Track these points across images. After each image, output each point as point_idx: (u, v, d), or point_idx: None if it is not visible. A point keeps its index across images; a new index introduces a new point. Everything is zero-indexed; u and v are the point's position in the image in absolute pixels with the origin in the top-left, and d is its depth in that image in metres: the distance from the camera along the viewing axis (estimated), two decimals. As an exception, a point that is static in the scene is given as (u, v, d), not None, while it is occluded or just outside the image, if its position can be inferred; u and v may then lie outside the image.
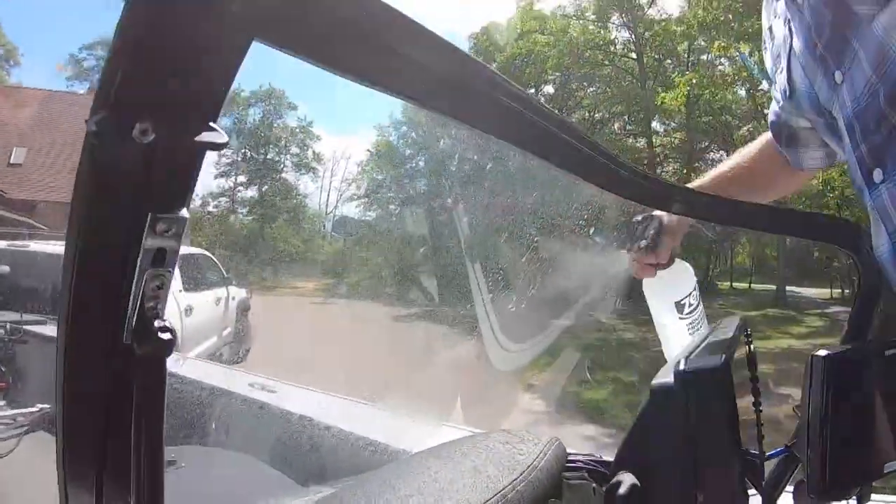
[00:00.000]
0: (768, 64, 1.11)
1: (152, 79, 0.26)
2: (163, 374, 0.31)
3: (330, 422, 1.29)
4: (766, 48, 1.11)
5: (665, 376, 0.62)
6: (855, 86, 0.81)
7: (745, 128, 16.11)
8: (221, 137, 0.28)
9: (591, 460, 0.93)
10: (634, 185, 0.78)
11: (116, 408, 0.30)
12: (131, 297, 0.29)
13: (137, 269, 0.28)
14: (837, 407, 0.72)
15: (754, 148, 1.22)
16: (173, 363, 1.74)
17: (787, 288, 18.11)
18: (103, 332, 0.29)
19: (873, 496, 1.00)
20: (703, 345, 0.70)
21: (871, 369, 0.79)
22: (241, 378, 1.68)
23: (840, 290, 19.76)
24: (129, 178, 0.27)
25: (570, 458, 0.78)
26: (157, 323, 0.29)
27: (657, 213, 1.05)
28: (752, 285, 20.80)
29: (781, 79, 1.01)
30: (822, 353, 0.75)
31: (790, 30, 0.94)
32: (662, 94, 15.59)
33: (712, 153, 18.33)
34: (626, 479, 0.62)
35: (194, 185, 0.28)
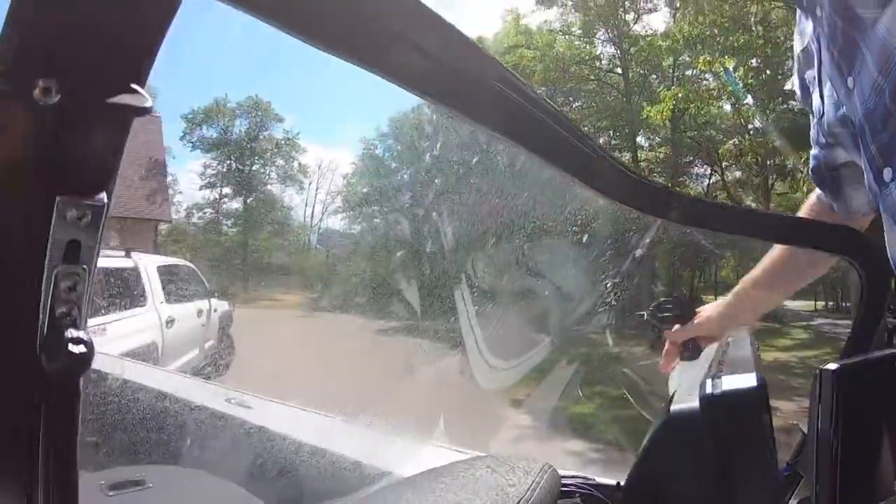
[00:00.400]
0: (798, 91, 1.11)
1: (60, 28, 0.21)
2: (75, 396, 0.25)
3: (308, 440, 1.22)
4: (796, 74, 1.10)
5: (685, 401, 0.55)
6: (863, 88, 0.80)
7: (730, 142, 16.27)
8: (143, 101, 0.23)
9: (585, 484, 0.87)
10: (634, 191, 0.74)
11: (21, 437, 0.25)
12: (40, 303, 0.23)
13: (46, 266, 0.23)
14: (847, 423, 0.67)
15: (803, 214, 1.20)
16: (148, 376, 1.67)
17: (772, 301, 18.20)
18: (5, 343, 0.23)
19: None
20: (722, 363, 0.63)
21: (882, 383, 0.75)
22: (219, 393, 1.60)
23: (825, 303, 19.95)
24: (31, 150, 0.21)
25: (564, 482, 0.73)
26: (69, 333, 0.23)
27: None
28: (737, 299, 20.86)
29: (816, 98, 1.00)
30: (832, 366, 0.70)
31: (818, 46, 0.94)
32: (648, 109, 15.68)
33: (697, 167, 18.51)
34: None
35: (116, 161, 0.23)
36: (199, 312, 7.47)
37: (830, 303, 20.03)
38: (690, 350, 1.10)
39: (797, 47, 1.08)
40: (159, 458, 1.34)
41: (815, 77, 0.99)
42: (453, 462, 0.75)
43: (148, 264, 6.35)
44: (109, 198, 0.23)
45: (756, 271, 1.17)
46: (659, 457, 0.57)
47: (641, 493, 0.59)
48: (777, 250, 1.16)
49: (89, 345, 0.24)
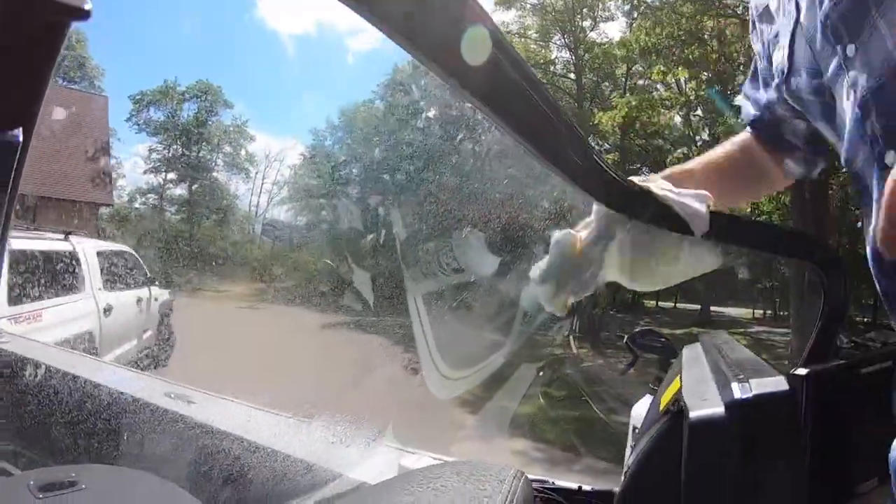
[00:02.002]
0: (757, 48, 1.06)
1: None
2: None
3: (255, 439, 1.16)
4: (754, 32, 1.06)
5: (701, 407, 0.48)
6: (871, 61, 0.74)
7: (678, 151, 16.64)
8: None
9: (548, 488, 0.84)
10: (605, 184, 0.71)
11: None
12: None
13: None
14: (817, 426, 0.66)
15: (741, 139, 1.15)
16: (84, 367, 1.57)
17: (712, 308, 18.77)
18: None
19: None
20: (737, 367, 0.58)
21: (849, 387, 0.74)
22: (159, 386, 1.52)
23: (762, 312, 20.64)
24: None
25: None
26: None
27: None
28: (678, 304, 21.45)
29: (779, 56, 0.94)
30: (802, 371, 0.68)
31: (797, 4, 0.87)
32: (599, 115, 15.93)
33: (644, 175, 18.86)
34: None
35: (42, 87, 0.17)
36: (139, 301, 7.22)
37: (768, 311, 20.71)
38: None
39: (757, 6, 1.03)
40: (94, 457, 1.26)
41: (780, 34, 0.94)
42: (421, 469, 0.71)
43: (87, 249, 6.09)
44: (27, 139, 0.18)
45: (690, 164, 1.10)
46: (667, 465, 0.51)
47: (642, 502, 0.55)
48: (714, 156, 1.12)
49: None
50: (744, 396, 0.46)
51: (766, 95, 1.06)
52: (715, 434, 0.46)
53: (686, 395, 0.51)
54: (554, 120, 0.50)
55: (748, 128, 1.14)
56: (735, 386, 0.47)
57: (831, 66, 0.81)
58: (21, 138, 0.19)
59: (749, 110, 1.12)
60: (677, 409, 0.53)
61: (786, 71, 0.93)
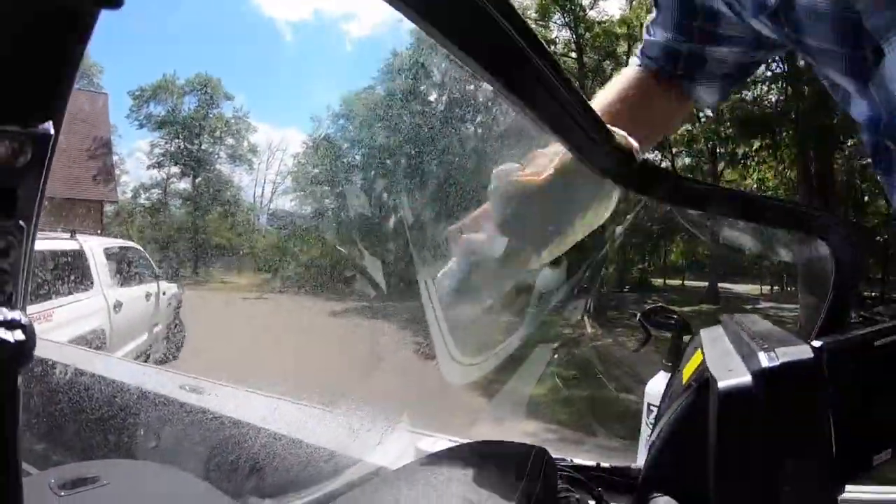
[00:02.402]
0: None
1: None
2: (13, 394, 0.19)
3: (271, 427, 1.16)
4: None
5: (727, 377, 0.47)
6: None
7: (681, 129, 16.53)
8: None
9: (568, 466, 0.84)
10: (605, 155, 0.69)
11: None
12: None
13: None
14: (835, 398, 0.65)
15: (634, 77, 1.03)
16: (97, 364, 1.58)
17: (720, 285, 18.74)
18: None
19: (860, 488, 0.97)
20: (762, 337, 0.56)
21: (863, 359, 0.73)
22: (172, 379, 1.52)
23: (770, 287, 20.60)
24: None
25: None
26: (2, 314, 0.18)
27: None
28: (685, 282, 21.43)
29: None
30: (817, 343, 0.67)
31: None
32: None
33: (647, 153, 18.76)
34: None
35: (72, 74, 0.17)
36: (148, 296, 7.26)
37: (776, 287, 20.67)
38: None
39: None
40: (113, 453, 1.26)
41: None
42: (440, 450, 0.71)
43: (94, 247, 6.11)
44: (57, 131, 0.17)
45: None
46: (693, 438, 0.50)
47: (665, 477, 0.54)
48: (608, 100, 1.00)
49: (29, 330, 0.18)
50: (771, 365, 0.45)
51: (694, 23, 0.95)
52: (744, 404, 0.44)
53: (711, 367, 0.50)
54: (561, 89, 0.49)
55: (648, 63, 1.03)
56: (762, 356, 0.45)
57: (881, 14, 0.65)
58: (52, 131, 0.18)
59: (658, 41, 1.01)
60: (702, 382, 0.52)
61: (775, 3, 0.76)
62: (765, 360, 0.45)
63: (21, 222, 0.17)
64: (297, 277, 16.83)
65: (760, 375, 0.45)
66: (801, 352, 0.47)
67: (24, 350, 0.18)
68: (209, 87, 22.88)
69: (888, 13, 0.63)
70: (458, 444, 0.88)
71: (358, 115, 21.27)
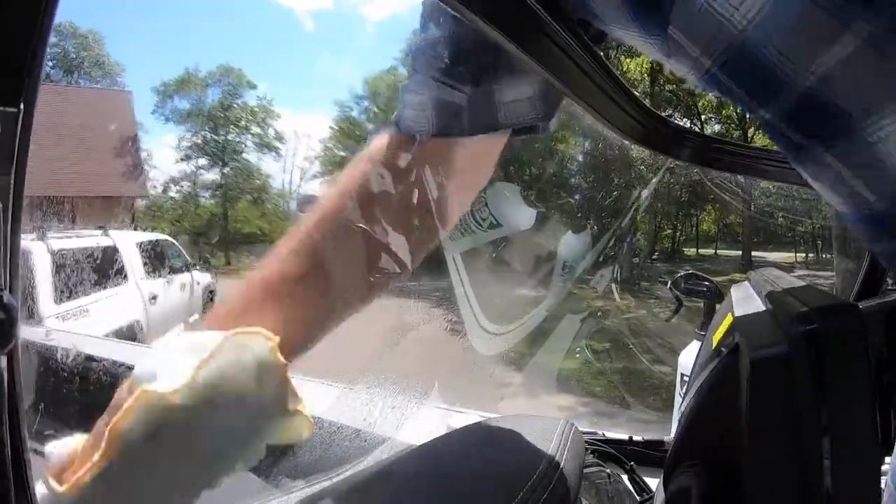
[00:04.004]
0: None
1: None
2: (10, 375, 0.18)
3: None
4: None
5: (761, 342, 0.43)
6: None
7: (710, 95, 16.23)
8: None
9: (599, 440, 0.83)
10: (646, 129, 0.68)
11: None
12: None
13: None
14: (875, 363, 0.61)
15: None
16: (134, 356, 1.60)
17: (753, 253, 18.45)
18: None
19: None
20: (778, 300, 0.53)
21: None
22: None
23: (804, 255, 20.21)
24: None
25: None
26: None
27: None
28: (718, 251, 21.13)
29: None
30: (864, 304, 0.64)
31: None
32: (626, 61, 15.56)
33: (676, 121, 18.49)
34: (697, 476, 0.49)
35: (43, 42, 0.16)
36: (182, 286, 7.37)
37: (811, 254, 20.26)
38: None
39: None
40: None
41: None
42: (471, 425, 0.70)
43: (126, 241, 6.21)
44: (29, 107, 0.16)
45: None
46: (724, 407, 0.46)
47: (695, 448, 0.51)
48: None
49: (9, 308, 0.17)
50: (808, 328, 0.40)
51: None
52: (780, 370, 0.41)
53: (741, 331, 0.47)
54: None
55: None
56: (796, 317, 0.42)
57: None
58: (19, 111, 0.17)
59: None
60: (732, 347, 0.48)
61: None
62: (799, 323, 0.41)
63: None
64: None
65: (797, 339, 0.41)
66: (843, 313, 0.42)
67: (4, 329, 0.17)
68: (232, 77, 23.04)
69: None
70: (487, 419, 0.88)
71: (382, 95, 21.23)
